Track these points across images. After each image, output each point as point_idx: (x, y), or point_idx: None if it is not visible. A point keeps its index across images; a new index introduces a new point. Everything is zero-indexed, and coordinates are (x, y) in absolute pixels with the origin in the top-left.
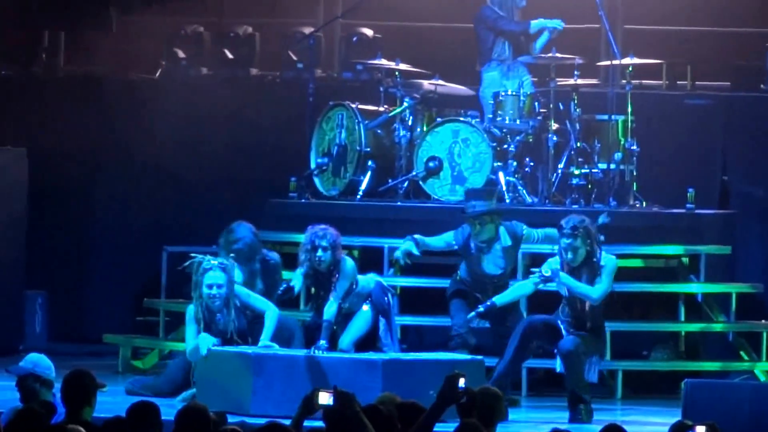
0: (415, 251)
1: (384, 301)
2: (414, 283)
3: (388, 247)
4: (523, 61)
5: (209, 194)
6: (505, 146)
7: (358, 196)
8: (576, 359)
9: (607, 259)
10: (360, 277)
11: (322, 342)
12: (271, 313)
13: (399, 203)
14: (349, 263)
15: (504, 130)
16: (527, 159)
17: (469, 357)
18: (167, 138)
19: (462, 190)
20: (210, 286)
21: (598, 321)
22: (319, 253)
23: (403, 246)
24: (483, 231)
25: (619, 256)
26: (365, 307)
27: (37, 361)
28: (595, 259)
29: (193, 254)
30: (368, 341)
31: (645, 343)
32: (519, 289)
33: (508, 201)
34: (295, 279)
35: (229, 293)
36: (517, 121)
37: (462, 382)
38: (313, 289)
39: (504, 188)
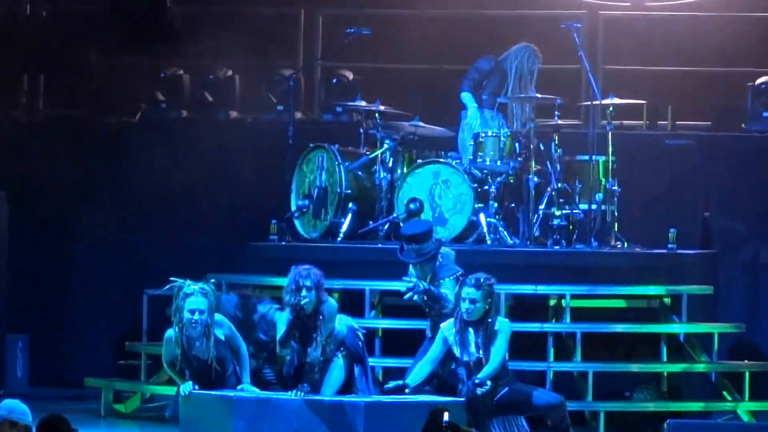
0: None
1: (358, 346)
2: (396, 325)
3: (369, 290)
4: (501, 101)
5: (189, 237)
6: (486, 187)
7: (339, 239)
8: (564, 406)
9: (502, 324)
10: None
11: (306, 385)
12: (247, 357)
13: (380, 245)
14: (332, 304)
15: (485, 171)
16: (508, 200)
17: (452, 399)
18: (147, 181)
19: (445, 233)
20: (192, 312)
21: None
22: (303, 293)
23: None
24: (426, 268)
25: (601, 297)
26: (339, 356)
27: (12, 407)
28: (489, 320)
29: (172, 278)
30: (345, 390)
31: (627, 383)
32: (423, 369)
33: (489, 242)
34: (279, 325)
35: (210, 320)
36: (498, 162)
37: (446, 416)
38: (296, 331)
39: (485, 229)
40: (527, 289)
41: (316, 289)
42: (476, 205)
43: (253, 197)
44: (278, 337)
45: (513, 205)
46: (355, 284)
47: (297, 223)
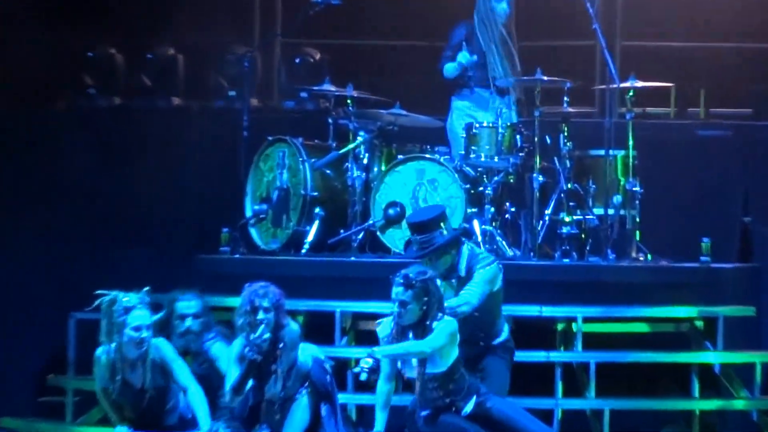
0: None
1: (326, 381)
2: None
3: (340, 312)
4: (499, 84)
5: (125, 250)
6: (481, 188)
7: (304, 251)
8: None
9: (445, 323)
10: None
11: (264, 427)
12: (198, 396)
13: (353, 258)
14: (294, 329)
15: (479, 170)
16: (507, 204)
17: None
18: (73, 183)
19: None
20: (137, 329)
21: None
22: (260, 315)
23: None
24: (438, 264)
25: (620, 320)
26: (303, 394)
27: None
28: (428, 322)
29: (99, 291)
30: None
31: (652, 423)
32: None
33: None
34: (228, 364)
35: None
36: (495, 158)
37: None
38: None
39: (480, 239)
40: (530, 310)
41: (275, 310)
42: (469, 210)
43: (200, 201)
44: (229, 381)
45: (513, 209)
46: (324, 305)
47: (253, 231)
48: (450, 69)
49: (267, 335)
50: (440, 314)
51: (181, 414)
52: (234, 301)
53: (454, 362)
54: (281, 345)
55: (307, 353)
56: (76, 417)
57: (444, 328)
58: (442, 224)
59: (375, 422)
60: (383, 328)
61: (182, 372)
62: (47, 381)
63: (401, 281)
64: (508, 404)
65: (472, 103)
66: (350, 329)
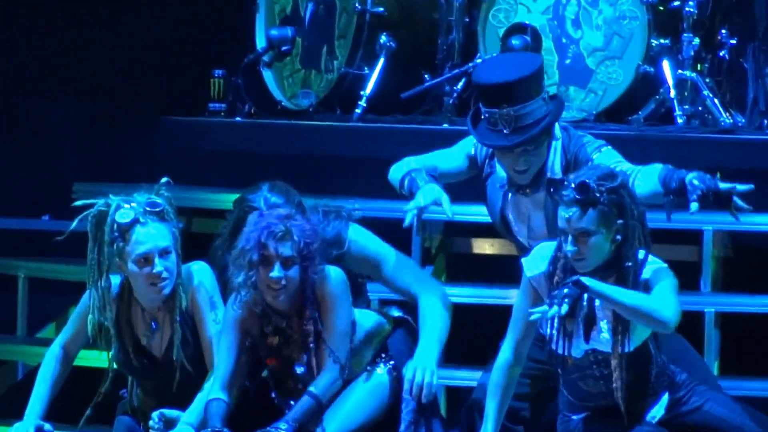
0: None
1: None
2: (473, 299)
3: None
4: None
5: (51, 102)
6: (677, 4)
7: (358, 111)
8: None
9: (658, 270)
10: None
11: (283, 425)
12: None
13: (446, 126)
14: (337, 278)
15: None
16: (723, 32)
17: None
18: None
19: (587, 99)
20: (145, 258)
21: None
22: (276, 272)
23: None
24: (533, 161)
25: None
26: (381, 369)
27: None
28: (628, 263)
29: (80, 203)
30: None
31: None
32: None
33: (680, 121)
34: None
35: (179, 270)
36: None
37: None
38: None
39: (673, 93)
40: (764, 222)
41: (302, 261)
42: (654, 42)
43: (177, 25)
44: (219, 370)
45: (732, 42)
46: (389, 208)
47: (268, 76)
48: None
49: (283, 291)
50: (642, 250)
51: None
52: (229, 197)
53: (648, 338)
54: (315, 313)
55: (372, 319)
56: None
57: (669, 284)
58: (544, 83)
59: (483, 423)
60: (533, 262)
61: (211, 330)
62: None
63: (574, 194)
64: (722, 400)
65: None
66: (438, 252)
